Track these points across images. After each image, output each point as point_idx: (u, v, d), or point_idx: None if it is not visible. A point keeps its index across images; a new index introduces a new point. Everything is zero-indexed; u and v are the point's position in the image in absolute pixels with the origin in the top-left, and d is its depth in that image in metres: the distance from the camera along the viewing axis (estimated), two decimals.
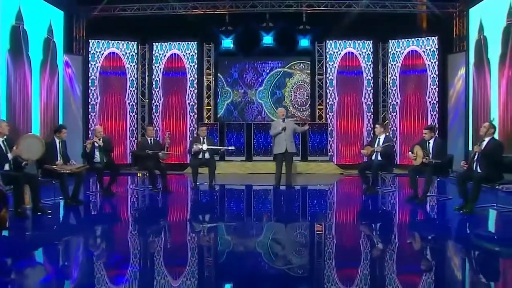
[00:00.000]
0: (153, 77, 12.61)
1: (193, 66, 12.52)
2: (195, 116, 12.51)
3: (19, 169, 6.02)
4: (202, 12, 12.06)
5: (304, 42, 12.40)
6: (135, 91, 12.53)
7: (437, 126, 11.43)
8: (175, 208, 7.66)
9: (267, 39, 12.41)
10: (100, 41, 12.20)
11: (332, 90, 12.39)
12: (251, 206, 7.93)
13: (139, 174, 9.37)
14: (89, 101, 12.10)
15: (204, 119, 12.75)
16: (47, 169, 6.60)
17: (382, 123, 9.14)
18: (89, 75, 12.11)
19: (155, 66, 12.60)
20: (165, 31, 12.08)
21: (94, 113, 12.13)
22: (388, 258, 4.56)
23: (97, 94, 12.17)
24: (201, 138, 8.88)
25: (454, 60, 11.50)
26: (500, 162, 6.09)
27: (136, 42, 12.49)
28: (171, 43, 12.52)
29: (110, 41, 12.27)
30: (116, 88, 12.35)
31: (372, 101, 12.31)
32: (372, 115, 12.27)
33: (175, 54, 12.55)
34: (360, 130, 12.28)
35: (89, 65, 12.11)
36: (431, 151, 7.08)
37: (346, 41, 12.34)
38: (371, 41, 12.28)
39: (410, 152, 7.38)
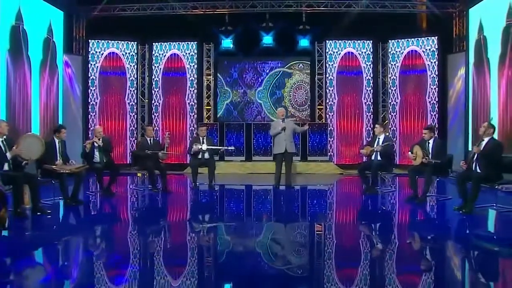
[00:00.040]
0: (153, 77, 12.62)
1: (193, 66, 12.52)
2: (195, 116, 12.51)
3: (18, 169, 6.02)
4: (202, 12, 12.06)
5: (304, 42, 12.40)
6: (135, 91, 12.53)
7: (436, 126, 11.44)
8: (174, 208, 7.66)
9: (267, 39, 12.41)
10: (100, 41, 12.20)
11: (332, 90, 12.39)
12: (251, 206, 7.93)
13: (139, 174, 9.38)
14: (89, 101, 12.11)
15: (204, 119, 12.76)
16: (46, 169, 6.60)
17: (381, 123, 9.15)
18: (89, 75, 12.11)
19: (155, 66, 12.60)
20: (165, 31, 12.08)
21: (94, 113, 12.13)
22: (388, 258, 4.57)
23: (97, 94, 12.18)
24: (201, 138, 8.88)
25: (454, 60, 11.50)
26: (499, 162, 6.09)
27: (136, 42, 12.49)
28: (171, 43, 12.52)
29: (110, 41, 12.27)
30: (116, 88, 12.36)
31: (372, 101, 12.32)
32: (372, 115, 12.27)
33: (175, 54, 12.56)
34: (360, 130, 12.29)
35: (89, 65, 12.11)
36: (430, 151, 7.08)
37: (346, 41, 12.35)
38: (371, 41, 12.28)
39: (409, 152, 7.39)
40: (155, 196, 8.13)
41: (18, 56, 9.17)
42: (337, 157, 12.34)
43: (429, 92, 11.81)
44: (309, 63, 12.91)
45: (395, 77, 12.19)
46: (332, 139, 12.35)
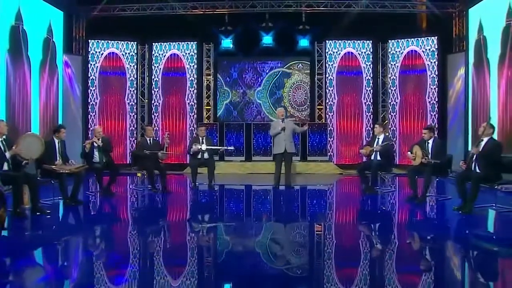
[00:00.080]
0: (153, 77, 12.62)
1: (193, 66, 12.52)
2: (195, 116, 12.51)
3: (18, 169, 6.01)
4: (201, 12, 12.06)
5: (303, 42, 12.41)
6: (135, 91, 12.53)
7: (436, 126, 11.45)
8: (174, 208, 7.66)
9: (267, 39, 12.41)
10: (99, 41, 12.20)
11: (332, 90, 12.40)
12: (251, 206, 7.93)
13: (139, 174, 9.37)
14: (89, 101, 12.11)
15: (203, 119, 12.76)
16: (46, 169, 6.60)
17: (381, 123, 9.15)
18: (89, 75, 12.11)
19: (155, 66, 12.61)
20: (165, 31, 12.08)
21: (94, 113, 12.13)
22: (387, 258, 4.56)
23: (96, 94, 12.18)
24: (200, 138, 8.89)
25: (454, 60, 11.50)
26: (498, 162, 6.09)
27: (135, 42, 12.49)
28: (171, 43, 12.53)
29: (109, 41, 12.27)
30: (116, 88, 12.36)
31: (371, 101, 12.32)
32: (371, 115, 12.27)
33: (174, 54, 12.56)
34: (360, 130, 12.29)
35: (89, 65, 12.12)
36: (430, 151, 7.08)
37: (346, 41, 12.35)
38: (371, 41, 12.28)
39: (409, 152, 7.39)
40: (155, 196, 8.13)
41: (18, 56, 9.17)
42: (336, 157, 12.34)
43: (429, 92, 11.81)
44: (308, 63, 12.91)
45: (395, 77, 12.19)
46: (331, 139, 12.36)
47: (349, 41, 12.34)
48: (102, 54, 12.24)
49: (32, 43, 9.59)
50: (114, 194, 7.90)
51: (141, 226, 6.13)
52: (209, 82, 12.96)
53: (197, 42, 12.56)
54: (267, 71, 13.12)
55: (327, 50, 12.43)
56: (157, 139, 10.19)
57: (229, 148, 10.82)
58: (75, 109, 11.67)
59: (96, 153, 7.75)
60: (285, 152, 8.55)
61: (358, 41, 12.31)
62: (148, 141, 8.58)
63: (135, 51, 12.53)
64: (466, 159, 6.46)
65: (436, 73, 11.76)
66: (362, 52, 12.33)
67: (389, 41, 12.23)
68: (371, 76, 12.30)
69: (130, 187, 9.63)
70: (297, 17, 12.06)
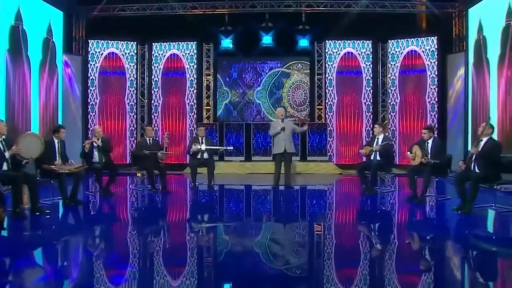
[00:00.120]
0: (153, 77, 12.63)
1: (193, 66, 12.52)
2: (195, 116, 12.51)
3: (17, 168, 6.01)
4: (201, 12, 12.06)
5: (303, 42, 12.41)
6: (135, 91, 12.53)
7: (436, 126, 11.45)
8: (173, 208, 7.66)
9: (267, 39, 12.41)
10: (99, 41, 12.20)
11: (332, 90, 12.40)
12: (250, 206, 7.93)
13: (139, 174, 9.37)
14: (89, 101, 12.11)
15: (203, 119, 12.76)
16: (45, 169, 6.60)
17: (381, 123, 9.15)
18: (89, 75, 12.11)
19: (155, 66, 12.61)
20: (165, 31, 12.08)
21: (94, 113, 12.13)
22: (387, 258, 4.56)
23: (96, 94, 12.18)
24: (200, 138, 8.89)
25: (454, 60, 11.50)
26: (498, 162, 6.09)
27: (135, 42, 12.50)
28: (171, 43, 12.53)
29: (109, 41, 12.27)
30: (116, 88, 12.36)
31: (371, 101, 12.32)
32: (371, 115, 12.27)
33: (174, 54, 12.56)
34: (360, 130, 12.29)
35: (89, 65, 12.12)
36: (429, 151, 7.08)
37: (346, 41, 12.35)
38: (371, 41, 12.28)
39: (408, 152, 7.39)
40: (154, 196, 8.13)
41: (18, 56, 9.17)
42: (336, 157, 12.34)
43: (429, 92, 11.81)
44: (308, 63, 12.91)
45: (394, 77, 12.19)
46: (331, 139, 12.36)
47: (349, 41, 12.35)
48: (102, 54, 12.24)
49: (32, 43, 9.59)
50: (114, 194, 7.90)
51: (141, 226, 6.12)
52: (209, 82, 12.97)
53: (197, 42, 12.56)
54: (267, 71, 13.12)
55: (327, 50, 12.44)
56: (157, 139, 10.18)
57: (228, 148, 10.82)
58: (75, 109, 11.68)
59: (95, 153, 7.76)
60: (285, 152, 8.55)
61: (358, 41, 12.31)
62: (148, 141, 8.58)
63: (135, 51, 12.53)
64: (465, 159, 6.46)
65: (436, 73, 11.76)
66: (362, 52, 12.33)
67: (389, 41, 12.23)
68: (371, 76, 12.30)
69: (130, 187, 9.64)
70: (297, 17, 12.06)
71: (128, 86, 12.44)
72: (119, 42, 12.33)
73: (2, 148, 5.91)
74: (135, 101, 12.54)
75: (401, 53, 12.10)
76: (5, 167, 5.88)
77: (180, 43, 12.54)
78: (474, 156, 6.16)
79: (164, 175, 8.24)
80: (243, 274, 4.02)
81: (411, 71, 12.05)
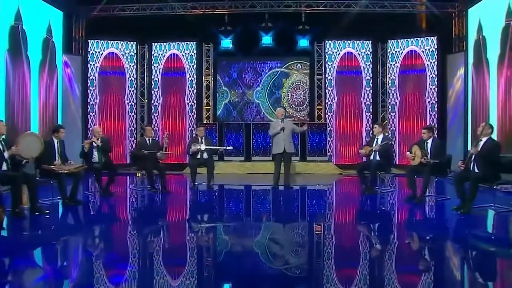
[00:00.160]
0: (152, 77, 12.63)
1: (192, 66, 12.53)
2: (194, 116, 12.51)
3: (17, 168, 6.01)
4: (201, 12, 12.07)
5: (303, 42, 12.41)
6: (134, 91, 12.54)
7: (436, 126, 11.46)
8: (173, 208, 7.66)
9: (266, 39, 12.41)
10: (99, 41, 12.21)
11: (331, 90, 12.40)
12: (250, 206, 7.93)
13: (139, 174, 9.38)
14: (88, 101, 12.11)
15: (203, 119, 12.76)
16: (45, 169, 6.60)
17: (380, 123, 9.14)
18: (88, 75, 12.12)
19: (154, 66, 12.61)
20: (164, 31, 12.09)
21: (93, 113, 12.14)
22: (387, 258, 4.56)
23: (96, 94, 12.18)
24: (199, 138, 8.89)
25: (453, 60, 11.51)
26: (497, 162, 6.09)
27: (135, 42, 12.50)
28: (170, 43, 12.54)
29: (109, 41, 12.28)
30: (115, 88, 12.37)
31: (371, 101, 12.32)
32: (371, 115, 12.27)
33: (174, 54, 12.57)
34: (359, 130, 12.29)
35: (88, 65, 12.12)
36: (429, 151, 7.08)
37: (345, 41, 12.35)
38: (370, 41, 12.29)
39: (408, 152, 7.38)
40: (154, 196, 8.13)
41: (17, 56, 9.18)
42: (336, 157, 12.34)
43: (429, 92, 11.81)
44: (308, 63, 12.92)
45: (394, 77, 12.20)
46: (331, 139, 12.36)
47: (348, 41, 12.35)
48: (101, 54, 12.25)
49: (32, 43, 9.60)
50: (113, 194, 7.90)
51: (140, 226, 6.12)
52: (209, 82, 12.97)
53: (197, 42, 12.57)
54: (267, 71, 13.12)
55: (326, 50, 12.44)
56: (157, 139, 10.19)
57: (228, 147, 10.83)
58: (75, 109, 11.68)
59: (95, 153, 7.76)
60: (284, 152, 8.56)
61: (358, 41, 12.31)
62: (148, 141, 8.59)
63: (135, 51, 12.53)
64: (464, 159, 6.46)
65: (436, 73, 11.76)
66: (361, 52, 12.33)
67: (389, 41, 12.24)
68: (371, 76, 12.30)
69: (130, 187, 9.63)
70: (296, 17, 12.06)
71: (128, 86, 12.44)
72: (119, 42, 12.33)
73: (1, 148, 5.91)
74: (135, 101, 12.55)
75: (401, 53, 12.11)
76: (4, 167, 5.88)
77: (180, 43, 12.54)
78: (473, 156, 6.16)
79: (163, 175, 8.24)
80: (242, 274, 4.02)
81: (411, 71, 12.06)
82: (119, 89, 12.37)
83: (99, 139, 7.82)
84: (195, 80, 12.52)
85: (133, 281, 3.87)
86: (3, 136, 6.02)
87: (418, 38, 11.98)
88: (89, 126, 11.84)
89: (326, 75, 12.44)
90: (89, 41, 12.18)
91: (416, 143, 7.38)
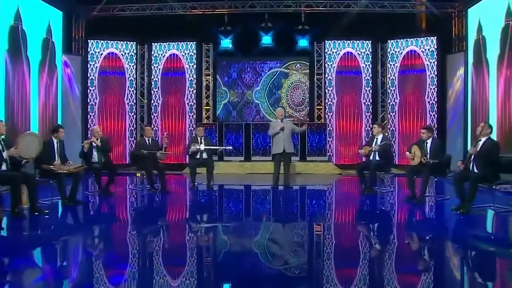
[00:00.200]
0: (152, 77, 12.63)
1: (192, 66, 12.53)
2: (194, 116, 12.51)
3: (16, 168, 6.01)
4: (201, 12, 12.07)
5: (303, 42, 12.41)
6: (134, 91, 12.54)
7: (436, 126, 11.46)
8: (172, 208, 7.66)
9: (266, 39, 12.41)
10: (99, 41, 12.21)
11: (331, 90, 12.40)
12: (250, 206, 7.93)
13: (138, 174, 9.38)
14: (88, 101, 12.12)
15: (203, 119, 12.77)
16: (44, 169, 6.60)
17: (380, 123, 9.14)
18: (88, 75, 12.12)
19: (154, 66, 12.61)
20: (164, 31, 12.09)
21: (93, 113, 12.14)
22: (386, 258, 4.56)
23: (96, 94, 12.19)
24: (199, 138, 8.90)
25: (453, 60, 11.51)
26: (496, 162, 6.09)
27: (135, 42, 12.50)
28: (170, 43, 12.54)
29: (109, 41, 12.28)
30: (115, 88, 12.37)
31: (371, 101, 12.32)
32: (371, 115, 12.27)
33: (174, 54, 12.57)
34: (359, 130, 12.29)
35: (88, 65, 12.12)
36: (429, 151, 7.08)
37: (345, 41, 12.35)
38: (370, 41, 12.29)
39: (408, 152, 7.39)
40: (153, 196, 8.13)
41: (17, 56, 9.19)
42: (336, 157, 12.35)
43: (428, 92, 11.82)
44: (307, 63, 12.92)
45: (394, 77, 12.20)
46: (331, 139, 12.36)
47: (348, 41, 12.35)
48: (101, 54, 12.25)
49: (31, 43, 9.60)
50: (113, 194, 7.91)
51: (140, 226, 6.12)
52: (209, 82, 12.97)
53: (197, 42, 12.57)
54: (267, 71, 13.12)
55: (326, 50, 12.44)
56: (156, 139, 10.19)
57: (227, 147, 10.84)
58: (75, 109, 11.69)
59: (94, 153, 7.76)
60: (284, 152, 8.56)
61: (358, 41, 12.31)
62: (147, 141, 8.59)
63: (135, 51, 12.54)
64: (464, 159, 6.46)
65: (436, 73, 11.77)
66: (361, 52, 12.34)
67: (389, 41, 12.24)
68: (371, 76, 12.30)
69: (129, 187, 9.63)
70: (296, 17, 12.06)
71: (127, 86, 12.44)
72: (118, 42, 12.33)
73: (1, 148, 5.91)
74: (134, 101, 12.55)
75: (401, 53, 12.11)
76: (4, 167, 5.88)
77: (179, 43, 12.54)
78: (472, 156, 6.16)
79: (163, 175, 8.24)
80: (242, 274, 4.02)
81: (411, 71, 12.06)
82: (119, 89, 12.38)
83: (99, 139, 7.82)
84: (195, 80, 12.52)
85: (132, 281, 3.87)
86: (3, 136, 6.02)
87: (418, 38, 11.98)
88: (89, 126, 11.85)
89: (326, 75, 12.44)
90: (89, 41, 12.19)
91: (415, 143, 7.38)
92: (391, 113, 12.25)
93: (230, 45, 12.50)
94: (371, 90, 12.31)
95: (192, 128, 12.24)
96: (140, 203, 7.96)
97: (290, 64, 13.05)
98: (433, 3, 11.57)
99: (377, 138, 8.05)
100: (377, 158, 7.95)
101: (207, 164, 8.87)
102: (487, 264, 4.33)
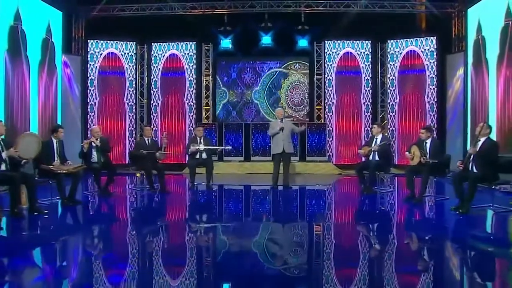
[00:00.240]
0: (152, 77, 12.64)
1: (192, 66, 12.53)
2: (194, 116, 12.52)
3: (16, 168, 6.01)
4: (200, 12, 12.07)
5: (302, 42, 12.41)
6: (134, 91, 12.54)
7: (435, 126, 11.46)
8: (172, 208, 7.66)
9: (266, 39, 12.42)
10: (98, 41, 12.21)
11: (331, 90, 12.40)
12: (249, 207, 7.93)
13: (138, 174, 9.38)
14: (88, 101, 12.12)
15: (202, 119, 12.77)
16: (44, 169, 6.60)
17: (379, 123, 9.14)
18: (88, 75, 12.13)
19: (154, 66, 12.62)
20: (164, 31, 12.09)
21: (93, 113, 12.14)
22: (386, 259, 4.56)
23: (95, 94, 12.19)
24: (198, 138, 8.90)
25: (453, 60, 11.51)
26: (495, 162, 6.09)
27: (134, 42, 12.50)
28: (170, 43, 12.54)
29: (108, 41, 12.28)
30: (115, 88, 12.37)
31: (370, 101, 12.32)
32: (370, 115, 12.28)
33: (173, 54, 12.57)
34: (359, 130, 12.29)
35: (88, 65, 12.13)
36: (428, 151, 7.08)
37: (345, 41, 12.35)
38: (370, 41, 12.29)
39: (407, 152, 7.39)
40: (153, 196, 8.13)
41: (17, 56, 9.19)
42: (336, 157, 12.34)
43: (428, 92, 11.82)
44: (307, 63, 12.92)
45: (394, 77, 12.20)
46: (330, 139, 12.36)
47: (348, 41, 12.35)
48: (101, 54, 12.25)
49: (31, 43, 9.61)
50: (112, 194, 7.91)
51: (139, 226, 6.12)
52: (208, 82, 12.97)
53: (196, 42, 12.57)
54: (266, 71, 13.13)
55: (326, 50, 12.44)
56: (156, 139, 10.18)
57: (226, 147, 10.84)
58: (74, 109, 11.69)
59: (94, 153, 7.76)
60: (283, 152, 8.56)
61: (357, 41, 12.31)
62: (146, 141, 8.59)
63: (134, 51, 12.54)
64: (463, 159, 6.46)
65: (435, 73, 11.77)
66: (361, 52, 12.34)
67: (388, 41, 12.24)
68: (370, 76, 12.30)
69: (129, 187, 9.63)
70: (296, 17, 12.07)
71: (127, 86, 12.44)
72: (118, 42, 12.33)
73: (0, 148, 5.91)
74: (134, 101, 12.55)
75: (400, 53, 12.11)
76: (3, 167, 5.87)
77: (179, 43, 12.54)
78: (472, 156, 6.16)
79: (162, 175, 8.24)
80: (242, 274, 4.02)
81: (410, 71, 12.06)
82: (118, 89, 12.38)
83: (98, 139, 7.82)
84: (195, 80, 12.52)
85: (132, 281, 3.87)
86: (2, 136, 6.02)
87: (418, 38, 11.98)
88: (88, 126, 11.85)
89: (326, 75, 12.44)
90: (88, 41, 12.19)
91: (415, 143, 7.38)
92: (390, 113, 12.25)
93: (230, 45, 12.50)
94: (370, 90, 12.31)
95: (192, 128, 12.24)
96: (140, 203, 7.95)
97: (289, 64, 13.05)
98: (432, 3, 11.58)
99: (376, 138, 8.05)
100: (377, 158, 7.95)
101: (206, 164, 8.87)
102: (487, 264, 4.33)
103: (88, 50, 12.17)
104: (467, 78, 10.67)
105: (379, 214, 6.81)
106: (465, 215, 5.95)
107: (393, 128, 12.20)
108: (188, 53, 12.55)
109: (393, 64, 12.19)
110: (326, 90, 12.44)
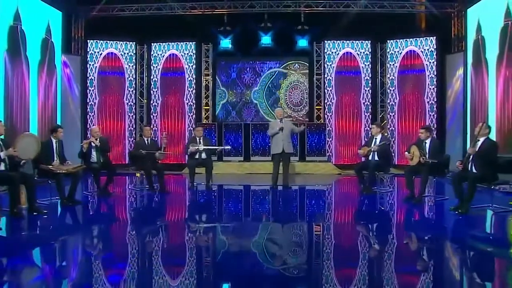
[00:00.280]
0: (152, 77, 12.64)
1: (192, 66, 12.53)
2: (193, 116, 12.51)
3: (15, 168, 6.01)
4: (200, 13, 12.07)
5: (302, 42, 12.41)
6: (134, 91, 12.54)
7: (435, 126, 11.46)
8: (171, 208, 7.66)
9: (266, 39, 12.41)
10: (98, 41, 12.21)
11: (330, 90, 12.40)
12: (249, 207, 7.93)
13: (138, 174, 9.37)
14: (88, 101, 12.12)
15: (202, 119, 12.77)
16: (43, 169, 6.60)
17: (379, 123, 9.14)
18: (88, 75, 12.13)
19: (154, 66, 12.61)
20: (164, 31, 12.09)
21: (93, 113, 12.14)
22: (385, 258, 4.56)
23: (95, 94, 12.19)
24: (198, 138, 8.90)
25: (452, 60, 11.51)
26: (495, 162, 6.09)
27: (134, 42, 12.50)
28: (170, 43, 12.54)
29: (108, 41, 12.28)
30: (115, 88, 12.37)
31: (370, 101, 12.32)
32: (370, 115, 12.28)
33: (173, 54, 12.57)
34: (358, 130, 12.29)
35: (88, 65, 12.12)
36: (427, 151, 7.08)
37: (344, 41, 12.35)
38: (369, 41, 12.29)
39: (406, 152, 7.39)
40: (152, 196, 8.13)
41: (16, 56, 9.19)
42: (335, 157, 12.34)
43: (428, 92, 11.82)
44: (306, 63, 12.92)
45: (393, 77, 12.20)
46: (330, 139, 12.36)
47: (347, 41, 12.35)
48: (101, 54, 12.25)
49: (31, 43, 9.61)
50: (111, 194, 7.91)
51: (139, 226, 6.12)
52: (208, 82, 12.97)
53: (196, 42, 12.57)
54: (266, 71, 13.12)
55: (325, 50, 12.44)
56: (156, 139, 10.19)
57: (226, 147, 10.84)
58: (74, 109, 11.69)
59: (93, 153, 7.76)
60: (283, 152, 8.56)
61: (357, 41, 12.31)
62: (146, 141, 8.59)
63: (134, 51, 12.54)
64: (462, 159, 6.46)
65: (435, 73, 11.77)
66: (360, 52, 12.34)
67: (388, 41, 12.25)
68: (370, 76, 12.31)
69: (129, 187, 9.63)
70: (296, 17, 12.07)
71: (127, 86, 12.44)
72: (118, 42, 12.33)
73: None
74: (134, 101, 12.55)
75: (400, 53, 12.11)
76: (2, 167, 5.87)
77: (179, 43, 12.54)
78: (471, 156, 6.16)
79: (162, 175, 8.24)
80: (241, 274, 4.02)
81: (410, 71, 12.06)
82: (118, 89, 12.38)
83: (98, 139, 7.82)
84: (194, 80, 12.52)
85: (131, 281, 3.87)
86: (2, 136, 6.03)
87: (417, 38, 11.98)
88: (88, 126, 11.85)
89: (325, 75, 12.44)
90: (88, 41, 12.19)
91: (414, 143, 7.38)
92: (390, 113, 12.25)
93: (230, 45, 12.49)
94: (370, 90, 12.31)
95: (192, 128, 12.24)
96: (139, 203, 7.95)
97: (289, 64, 13.05)
98: (432, 3, 11.57)
99: (376, 138, 8.05)
100: (376, 158, 7.95)
101: (206, 164, 8.87)
102: (486, 265, 4.32)
103: (88, 50, 12.17)
104: (466, 78, 10.67)
105: (378, 214, 6.81)
106: (464, 215, 5.95)
107: (393, 128, 12.20)
108: (187, 53, 12.55)
109: (393, 64, 12.19)
110: (325, 90, 12.45)
